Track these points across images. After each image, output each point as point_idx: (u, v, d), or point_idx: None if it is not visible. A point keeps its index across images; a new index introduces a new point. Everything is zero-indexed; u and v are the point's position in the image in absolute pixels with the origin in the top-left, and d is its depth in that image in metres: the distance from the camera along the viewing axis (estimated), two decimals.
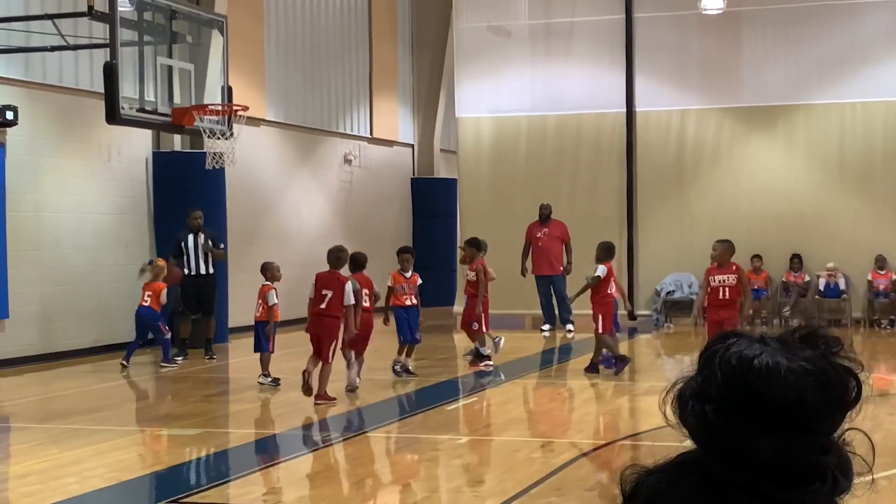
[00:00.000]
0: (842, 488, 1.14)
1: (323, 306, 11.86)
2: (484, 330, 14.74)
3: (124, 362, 15.06)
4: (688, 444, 1.24)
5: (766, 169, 20.33)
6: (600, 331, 13.85)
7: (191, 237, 16.36)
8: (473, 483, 8.46)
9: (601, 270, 13.93)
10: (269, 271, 13.63)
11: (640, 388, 13.69)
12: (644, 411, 11.66)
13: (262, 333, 13.34)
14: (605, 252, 14.19)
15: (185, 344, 16.32)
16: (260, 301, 13.47)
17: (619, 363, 13.91)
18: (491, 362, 14.63)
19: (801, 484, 1.12)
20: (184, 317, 16.41)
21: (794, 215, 19.97)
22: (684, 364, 16.42)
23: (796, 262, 19.82)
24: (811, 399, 1.13)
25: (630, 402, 12.73)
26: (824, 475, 1.12)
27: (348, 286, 11.95)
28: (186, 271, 16.26)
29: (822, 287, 19.71)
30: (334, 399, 11.90)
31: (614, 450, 9.43)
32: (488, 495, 7.81)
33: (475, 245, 15.31)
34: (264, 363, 13.29)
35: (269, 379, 13.22)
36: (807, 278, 19.91)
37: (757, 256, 19.91)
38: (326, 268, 12.19)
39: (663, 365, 16.70)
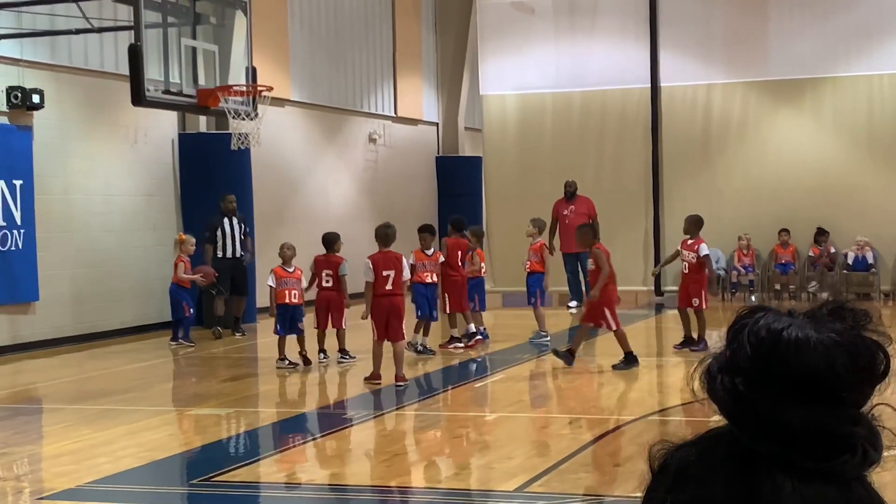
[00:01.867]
0: (872, 460, 1.15)
1: (389, 287, 11.66)
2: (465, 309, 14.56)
3: (173, 340, 15.40)
4: (716, 419, 1.25)
5: (794, 142, 20.20)
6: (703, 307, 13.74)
7: (226, 221, 16.65)
8: (502, 459, 8.49)
9: (704, 249, 13.77)
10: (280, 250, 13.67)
11: (669, 363, 13.68)
12: (673, 387, 11.66)
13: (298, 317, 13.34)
14: (696, 226, 13.94)
15: (219, 322, 16.54)
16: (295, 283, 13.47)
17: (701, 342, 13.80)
18: (461, 345, 14.46)
19: (831, 455, 1.13)
20: (219, 296, 16.60)
21: (822, 189, 19.84)
22: (711, 340, 16.40)
23: (823, 236, 19.70)
24: (840, 370, 1.13)
25: (659, 377, 12.73)
26: (854, 446, 1.13)
27: (404, 261, 12.00)
28: (221, 254, 16.56)
29: (850, 261, 19.60)
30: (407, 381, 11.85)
31: (643, 425, 9.44)
32: (517, 471, 7.84)
33: (458, 228, 15.21)
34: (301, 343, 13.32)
35: (287, 362, 13.19)
36: (833, 251, 19.80)
37: (785, 230, 19.82)
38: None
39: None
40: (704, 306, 13.80)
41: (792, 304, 1.30)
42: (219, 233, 16.69)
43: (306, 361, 13.15)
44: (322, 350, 13.48)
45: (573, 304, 18.96)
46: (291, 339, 13.27)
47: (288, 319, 13.23)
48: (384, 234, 11.97)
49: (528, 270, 15.23)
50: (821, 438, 1.12)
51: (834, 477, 1.13)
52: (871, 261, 19.55)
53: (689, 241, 13.95)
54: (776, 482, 1.12)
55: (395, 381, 11.74)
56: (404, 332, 11.97)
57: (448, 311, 14.54)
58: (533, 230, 15.33)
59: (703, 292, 13.78)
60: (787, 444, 1.12)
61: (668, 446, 1.20)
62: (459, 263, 14.60)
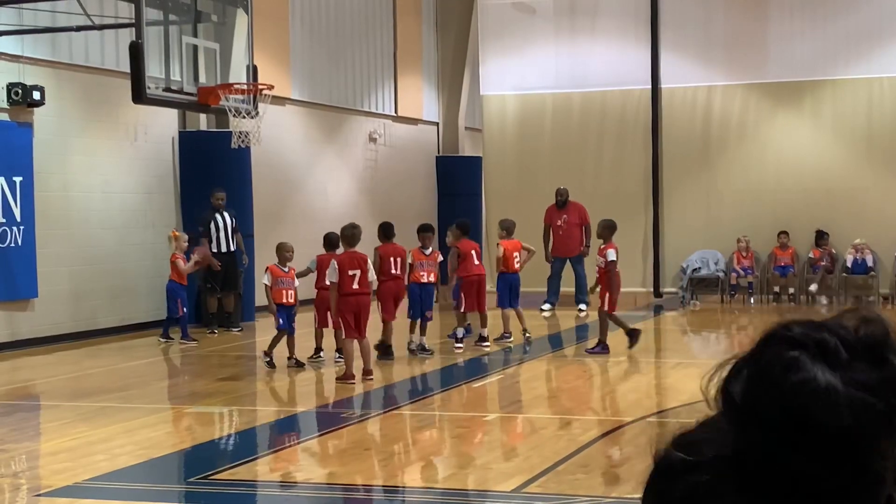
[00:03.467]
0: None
1: (356, 286, 11.92)
2: (461, 310, 14.58)
3: (163, 337, 15.49)
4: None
5: (793, 145, 20.21)
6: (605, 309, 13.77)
7: (217, 216, 16.78)
8: (500, 460, 8.49)
9: (611, 254, 13.71)
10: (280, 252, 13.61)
11: (667, 364, 13.68)
12: (671, 388, 11.66)
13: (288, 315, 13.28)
14: (609, 231, 13.91)
15: (213, 319, 16.63)
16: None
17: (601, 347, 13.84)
18: (486, 343, 14.47)
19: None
20: (212, 292, 16.64)
21: (821, 191, 19.85)
22: (710, 341, 16.42)
23: (823, 238, 19.70)
24: (869, 433, 1.00)
25: (656, 379, 12.73)
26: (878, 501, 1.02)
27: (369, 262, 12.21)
28: (216, 249, 16.59)
29: (849, 263, 19.60)
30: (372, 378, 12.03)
31: (641, 427, 9.44)
32: (515, 472, 7.84)
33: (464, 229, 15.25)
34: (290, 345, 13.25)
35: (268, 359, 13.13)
36: (833, 253, 19.80)
37: (784, 233, 19.82)
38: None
39: (689, 342, 16.67)
40: (606, 308, 13.76)
41: (824, 315, 1.14)
42: (212, 227, 16.78)
43: (298, 364, 13.12)
44: (319, 348, 13.47)
45: (546, 305, 18.93)
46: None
47: (285, 318, 13.22)
48: (350, 235, 12.29)
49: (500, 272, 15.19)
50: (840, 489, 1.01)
51: None
52: (870, 264, 19.55)
53: (602, 246, 13.88)
54: None
55: (363, 375, 11.93)
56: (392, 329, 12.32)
57: (476, 311, 14.57)
58: (502, 232, 15.46)
59: (607, 296, 13.72)
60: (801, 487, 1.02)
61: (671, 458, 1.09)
62: (477, 263, 14.65)
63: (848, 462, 1.00)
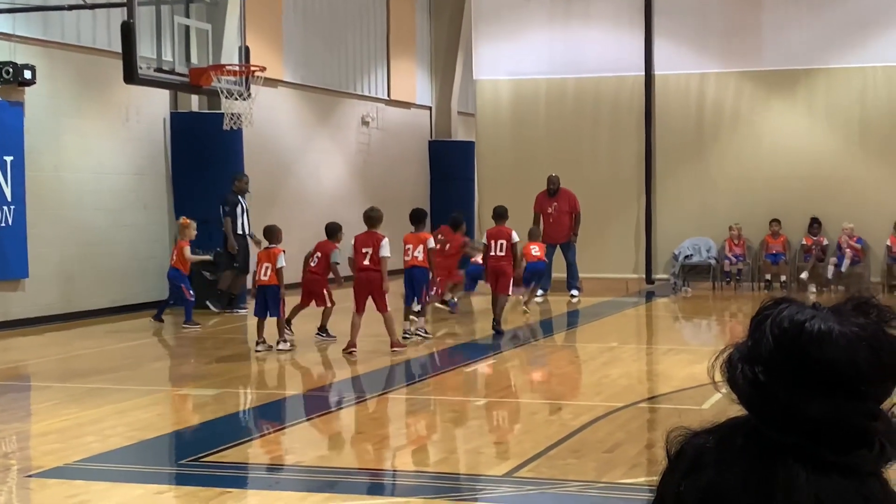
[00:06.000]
0: (889, 457, 1.15)
1: (367, 262, 12.67)
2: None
3: (156, 318, 15.50)
4: (732, 411, 1.23)
5: (787, 133, 20.21)
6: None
7: (241, 199, 17.26)
8: (491, 444, 8.49)
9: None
10: (276, 235, 13.55)
11: (658, 350, 13.69)
12: (662, 374, 11.67)
13: (271, 298, 13.22)
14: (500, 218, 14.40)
15: (223, 297, 17.05)
16: (268, 265, 13.26)
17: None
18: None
19: (848, 448, 1.13)
20: (241, 272, 17.08)
21: (814, 179, 19.86)
22: (701, 328, 16.44)
23: (815, 226, 19.72)
24: (862, 363, 1.13)
25: (648, 365, 12.74)
26: (872, 441, 1.13)
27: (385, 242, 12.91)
28: (241, 232, 17.15)
29: (843, 264, 19.40)
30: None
31: (632, 412, 9.44)
32: (507, 456, 7.84)
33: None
34: (280, 327, 13.22)
35: (266, 345, 13.08)
36: (825, 242, 19.82)
37: (775, 220, 19.83)
38: (347, 229, 12.64)
39: (681, 329, 16.69)
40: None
41: (813, 297, 1.27)
42: (237, 209, 17.13)
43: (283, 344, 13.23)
44: (323, 327, 13.85)
45: (538, 292, 18.91)
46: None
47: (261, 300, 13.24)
48: (368, 217, 13.10)
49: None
50: (839, 431, 1.12)
51: (850, 471, 1.13)
52: (858, 259, 19.56)
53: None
54: (792, 472, 1.12)
55: (391, 347, 12.71)
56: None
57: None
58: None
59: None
60: (805, 435, 1.12)
61: (686, 432, 1.20)
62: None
63: (843, 397, 1.12)
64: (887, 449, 1.14)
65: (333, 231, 13.99)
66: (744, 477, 1.13)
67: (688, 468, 1.16)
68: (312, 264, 13.76)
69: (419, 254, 13.64)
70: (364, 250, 12.67)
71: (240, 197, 17.24)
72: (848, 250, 19.32)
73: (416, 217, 14.20)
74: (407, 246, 13.80)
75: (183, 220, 15.96)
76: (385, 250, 12.61)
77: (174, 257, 15.57)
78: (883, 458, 1.14)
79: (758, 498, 1.12)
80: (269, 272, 13.18)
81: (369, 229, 12.88)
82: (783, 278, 19.88)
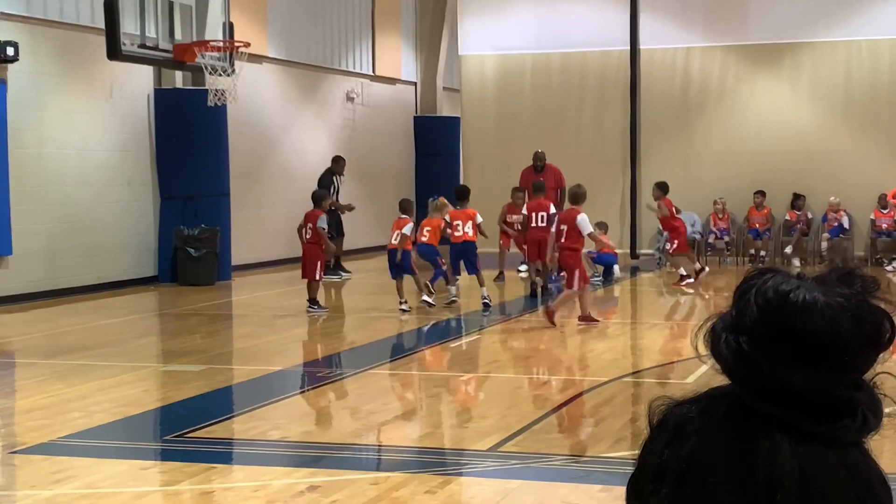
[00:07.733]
0: (871, 427, 1.15)
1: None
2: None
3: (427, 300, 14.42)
4: (713, 382, 1.24)
5: (772, 107, 20.24)
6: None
7: (336, 178, 18.58)
8: (476, 419, 8.52)
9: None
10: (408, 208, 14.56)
11: (643, 325, 13.74)
12: (647, 349, 11.72)
13: (405, 260, 13.96)
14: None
15: (333, 265, 17.85)
16: (398, 231, 14.02)
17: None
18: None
19: (831, 418, 1.13)
20: (337, 240, 17.68)
21: (799, 154, 19.91)
22: (685, 303, 16.49)
23: (799, 201, 19.77)
24: (846, 334, 1.13)
25: (632, 339, 12.79)
26: (854, 411, 1.14)
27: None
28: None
29: (826, 230, 19.54)
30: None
31: (617, 387, 9.49)
32: (491, 431, 7.87)
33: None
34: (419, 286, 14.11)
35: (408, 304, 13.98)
36: (810, 216, 19.89)
37: (760, 192, 19.86)
38: None
39: (665, 303, 16.74)
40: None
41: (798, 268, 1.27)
42: (331, 188, 18.04)
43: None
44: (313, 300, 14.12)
45: (523, 267, 18.92)
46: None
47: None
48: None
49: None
50: (822, 401, 1.12)
51: (832, 441, 1.14)
52: (846, 226, 19.65)
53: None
54: (774, 442, 1.13)
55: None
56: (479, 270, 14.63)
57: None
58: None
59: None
60: (788, 405, 1.13)
61: (669, 402, 1.20)
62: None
63: (827, 367, 1.12)
64: (870, 419, 1.14)
65: (320, 198, 14.49)
66: (726, 446, 1.13)
67: (670, 437, 1.17)
68: (307, 237, 14.11)
69: (468, 229, 14.39)
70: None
71: (335, 176, 18.59)
72: (835, 223, 19.44)
73: (461, 194, 15.08)
74: (456, 222, 14.41)
75: (441, 199, 15.18)
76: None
77: (425, 233, 14.54)
78: (865, 428, 1.14)
79: (740, 467, 1.12)
80: (409, 237, 14.16)
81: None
82: (763, 253, 19.93)
